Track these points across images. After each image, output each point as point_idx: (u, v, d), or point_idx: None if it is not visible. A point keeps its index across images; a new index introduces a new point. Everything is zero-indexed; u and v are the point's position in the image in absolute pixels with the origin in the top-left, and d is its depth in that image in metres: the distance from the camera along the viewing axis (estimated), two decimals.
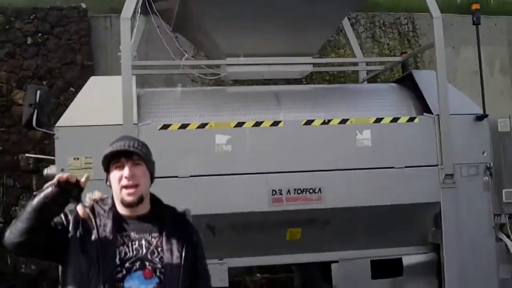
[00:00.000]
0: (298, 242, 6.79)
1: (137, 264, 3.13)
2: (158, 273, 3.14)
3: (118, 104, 6.49)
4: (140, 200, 3.22)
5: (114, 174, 3.22)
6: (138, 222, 3.24)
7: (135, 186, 3.19)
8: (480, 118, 6.97)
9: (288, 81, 9.20)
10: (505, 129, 7.18)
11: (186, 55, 7.54)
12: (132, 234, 3.19)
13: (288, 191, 6.60)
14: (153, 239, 3.21)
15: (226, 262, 6.62)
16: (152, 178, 3.38)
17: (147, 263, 3.14)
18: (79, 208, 3.13)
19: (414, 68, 11.71)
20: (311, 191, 6.62)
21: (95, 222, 3.16)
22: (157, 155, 6.33)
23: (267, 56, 7.34)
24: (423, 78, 7.28)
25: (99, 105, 6.65)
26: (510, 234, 7.04)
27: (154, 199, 3.40)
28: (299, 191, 6.61)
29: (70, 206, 3.17)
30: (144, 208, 3.28)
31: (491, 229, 6.93)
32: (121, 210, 3.24)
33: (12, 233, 3.09)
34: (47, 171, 6.92)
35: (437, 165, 6.85)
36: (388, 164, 6.80)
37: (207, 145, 6.57)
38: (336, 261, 6.90)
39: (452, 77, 11.73)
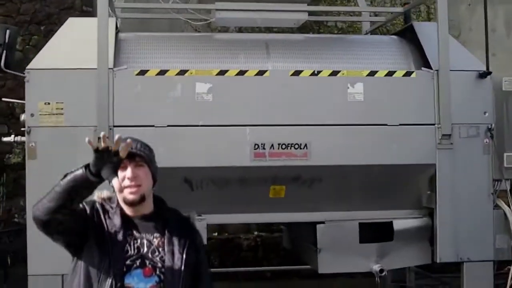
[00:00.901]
0: (282, 200, 6.38)
1: (138, 262, 3.22)
2: (157, 272, 3.22)
3: (95, 47, 6.05)
4: (142, 199, 3.30)
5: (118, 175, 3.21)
6: (141, 221, 3.34)
7: (137, 186, 3.27)
8: (482, 75, 6.46)
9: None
10: (510, 88, 6.67)
11: None
12: (135, 232, 3.30)
13: (272, 145, 6.16)
14: (154, 239, 3.31)
15: (205, 219, 6.20)
16: (155, 179, 3.43)
17: (147, 262, 3.23)
18: (97, 193, 3.31)
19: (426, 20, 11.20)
20: (296, 146, 6.19)
21: (105, 218, 3.31)
22: (133, 103, 6.11)
23: (260, 2, 6.86)
24: (425, 30, 6.75)
25: (74, 48, 6.22)
26: (510, 201, 6.58)
27: (159, 201, 3.49)
28: (283, 146, 6.18)
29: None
30: (147, 208, 3.38)
31: (490, 195, 6.47)
32: (125, 209, 3.35)
33: (39, 210, 3.17)
34: (23, 116, 6.55)
35: (433, 124, 6.37)
36: (381, 121, 6.32)
37: (187, 94, 6.14)
38: (323, 222, 6.49)
39: (467, 36, 11.21)
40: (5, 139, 6.45)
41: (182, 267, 3.26)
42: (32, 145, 6.00)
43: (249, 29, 9.76)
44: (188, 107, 6.15)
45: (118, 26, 6.90)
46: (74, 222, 3.23)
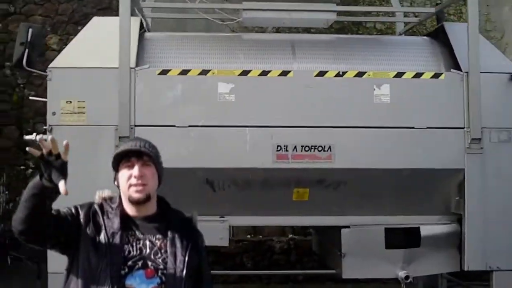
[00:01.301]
0: (306, 203, 6.25)
1: (140, 263, 3.18)
2: (159, 274, 3.18)
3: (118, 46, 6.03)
4: (148, 198, 3.27)
5: (123, 173, 3.28)
6: (143, 222, 3.30)
7: (143, 185, 3.24)
8: None
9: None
10: None
11: None
12: (137, 234, 3.26)
13: (295, 147, 6.04)
14: (157, 240, 3.27)
15: (227, 220, 6.17)
16: (160, 180, 3.39)
17: (149, 263, 3.19)
18: (98, 193, 3.33)
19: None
20: (320, 148, 6.06)
21: (103, 219, 3.26)
22: (154, 102, 6.04)
23: (286, 1, 6.74)
24: (455, 31, 6.54)
25: (98, 47, 6.22)
26: None
27: (163, 202, 3.45)
28: (306, 148, 6.05)
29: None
30: (151, 208, 3.34)
31: None
32: (128, 209, 3.31)
33: (14, 220, 3.16)
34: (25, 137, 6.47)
35: (463, 128, 6.17)
36: (407, 124, 6.16)
37: (209, 94, 6.06)
38: (348, 227, 6.35)
39: (510, 38, 10.92)
40: (26, 137, 6.43)
41: (184, 270, 3.22)
42: None
43: (286, 29, 9.70)
44: (210, 108, 6.06)
45: (145, 25, 6.83)
46: (56, 228, 3.19)
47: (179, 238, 3.29)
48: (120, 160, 3.32)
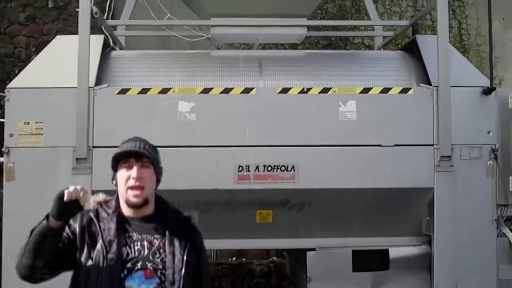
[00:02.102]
0: (270, 225, 6.06)
1: (139, 264, 3.21)
2: (159, 274, 3.21)
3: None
4: (145, 202, 3.30)
5: (122, 174, 3.30)
6: (141, 223, 3.33)
7: (141, 188, 3.27)
8: (487, 91, 6.00)
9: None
10: None
11: (169, 15, 6.85)
12: (135, 235, 3.28)
13: (257, 167, 5.86)
14: (155, 240, 3.29)
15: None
16: (158, 181, 3.47)
17: (148, 264, 3.22)
18: (92, 198, 3.37)
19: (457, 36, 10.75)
20: (283, 168, 5.87)
21: (99, 226, 3.28)
22: (113, 123, 5.90)
23: (257, 17, 6.58)
24: (428, 44, 6.30)
25: (58, 67, 6.08)
26: None
27: (161, 201, 3.49)
28: (269, 168, 5.87)
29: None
30: (149, 209, 3.37)
31: (493, 222, 5.98)
32: (126, 211, 3.33)
33: (21, 269, 3.24)
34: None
35: (432, 145, 5.95)
36: (374, 142, 5.95)
37: (169, 113, 5.91)
38: (313, 249, 6.14)
39: (500, 52, 10.69)
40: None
41: (183, 269, 3.24)
42: (10, 166, 5.86)
43: (261, 46, 9.59)
44: (170, 127, 5.91)
45: (111, 43, 6.70)
46: (58, 256, 3.24)
47: (178, 238, 3.31)
48: (119, 160, 3.36)
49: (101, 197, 3.45)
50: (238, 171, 5.86)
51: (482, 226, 5.98)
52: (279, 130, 5.93)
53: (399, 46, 8.64)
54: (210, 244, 6.20)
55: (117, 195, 3.43)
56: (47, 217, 3.18)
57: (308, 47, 10.44)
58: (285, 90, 5.97)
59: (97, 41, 6.25)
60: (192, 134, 5.89)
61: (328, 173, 5.91)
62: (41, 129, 5.89)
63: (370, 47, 10.56)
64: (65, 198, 3.10)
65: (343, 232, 6.14)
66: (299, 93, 5.97)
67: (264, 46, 9.89)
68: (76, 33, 5.90)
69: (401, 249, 6.16)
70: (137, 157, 3.34)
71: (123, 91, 5.94)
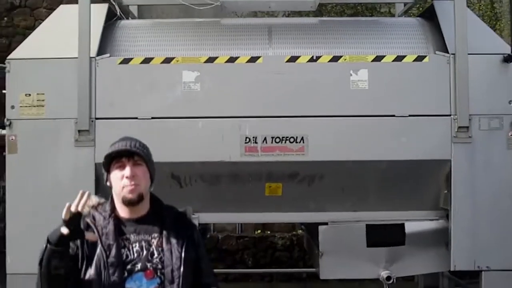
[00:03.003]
0: (280, 198, 5.85)
1: (139, 265, 3.18)
2: (159, 274, 3.19)
3: None
4: (140, 198, 3.26)
5: (115, 174, 3.25)
6: (137, 224, 3.29)
7: (135, 185, 3.22)
8: (507, 59, 5.66)
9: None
10: None
11: None
12: (132, 237, 3.25)
13: (265, 139, 5.64)
14: (153, 240, 3.26)
15: (196, 217, 5.75)
16: (152, 178, 3.39)
17: (148, 264, 3.19)
18: (88, 236, 3.20)
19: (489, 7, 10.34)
20: (291, 140, 5.64)
21: (98, 231, 3.23)
22: (115, 94, 5.72)
23: None
24: (446, 10, 5.97)
25: (60, 37, 5.91)
26: None
27: (154, 200, 3.42)
28: (277, 140, 5.65)
29: None
30: (144, 208, 3.32)
31: None
32: (121, 211, 3.30)
33: None
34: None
35: (449, 115, 5.66)
36: (388, 112, 5.67)
37: (173, 83, 5.70)
38: (326, 223, 5.92)
39: None
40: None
41: (182, 266, 3.20)
42: (12, 139, 5.74)
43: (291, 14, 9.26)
44: (174, 98, 5.71)
45: (118, 12, 6.49)
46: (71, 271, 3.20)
47: (174, 235, 3.27)
48: (111, 161, 3.28)
49: (94, 200, 3.33)
50: (245, 142, 5.65)
51: (503, 200, 5.68)
52: (288, 100, 5.69)
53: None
54: (218, 217, 6.20)
55: (111, 197, 3.37)
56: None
57: (333, 16, 10.13)
58: (293, 59, 5.72)
59: (100, 10, 6.07)
60: (197, 104, 5.68)
61: (339, 144, 5.67)
62: (43, 100, 5.75)
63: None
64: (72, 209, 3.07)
65: (356, 206, 5.91)
66: (308, 61, 5.71)
67: (288, 15, 9.64)
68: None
69: (417, 223, 5.91)
70: (129, 155, 3.25)
71: (125, 61, 5.76)
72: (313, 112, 5.68)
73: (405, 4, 7.41)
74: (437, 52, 5.75)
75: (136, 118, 5.66)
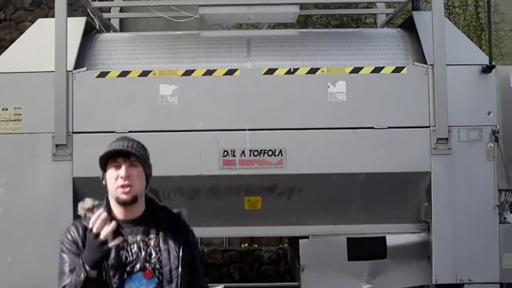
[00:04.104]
0: (259, 212, 5.81)
1: (137, 266, 3.17)
2: (157, 274, 3.18)
3: None
4: (135, 199, 3.22)
5: (111, 173, 3.23)
6: (133, 225, 3.26)
7: (130, 186, 3.18)
8: (486, 69, 5.64)
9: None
10: None
11: None
12: (130, 238, 3.22)
13: (243, 152, 5.62)
14: (150, 240, 3.24)
15: None
16: (148, 180, 3.36)
17: (147, 265, 3.18)
18: (80, 205, 3.25)
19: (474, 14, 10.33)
20: (270, 153, 5.61)
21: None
22: (93, 107, 5.68)
23: None
24: (424, 20, 5.95)
25: (37, 50, 5.88)
26: None
27: (149, 200, 3.40)
28: (255, 153, 5.62)
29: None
30: (139, 209, 3.30)
31: (495, 207, 5.64)
32: (117, 212, 3.27)
33: None
34: None
35: (428, 127, 5.63)
36: (366, 124, 5.66)
37: (150, 96, 5.68)
38: (307, 237, 5.87)
39: None
40: None
41: (180, 266, 3.20)
42: None
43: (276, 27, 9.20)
44: (151, 111, 5.67)
45: (98, 26, 6.47)
46: None
47: (171, 235, 3.26)
48: (108, 160, 3.25)
49: (89, 203, 3.29)
50: (223, 156, 5.62)
51: (483, 212, 5.64)
52: (265, 113, 5.66)
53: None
54: (198, 232, 6.07)
55: (107, 199, 3.33)
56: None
57: (319, 27, 10.12)
58: (270, 71, 5.70)
59: (78, 24, 6.06)
60: (175, 118, 5.65)
61: (318, 157, 5.63)
62: (20, 114, 5.73)
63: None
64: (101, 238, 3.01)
65: (337, 219, 5.87)
66: (285, 73, 5.69)
67: (273, 27, 9.61)
68: None
69: (399, 236, 5.88)
70: (125, 156, 3.22)
71: (103, 74, 5.74)
72: (291, 124, 5.65)
73: (386, 14, 7.39)
74: (415, 63, 5.72)
75: (114, 131, 5.59)
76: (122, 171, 3.18)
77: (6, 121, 5.71)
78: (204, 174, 5.62)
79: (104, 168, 3.28)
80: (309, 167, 5.62)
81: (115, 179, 3.20)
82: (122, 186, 3.18)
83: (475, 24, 10.32)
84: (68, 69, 5.66)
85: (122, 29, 7.97)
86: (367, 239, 5.83)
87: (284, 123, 5.64)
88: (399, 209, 5.81)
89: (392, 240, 5.83)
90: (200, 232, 6.03)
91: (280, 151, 5.60)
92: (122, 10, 7.93)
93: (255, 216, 5.82)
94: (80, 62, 5.83)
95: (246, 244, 9.99)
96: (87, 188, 5.60)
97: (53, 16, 5.86)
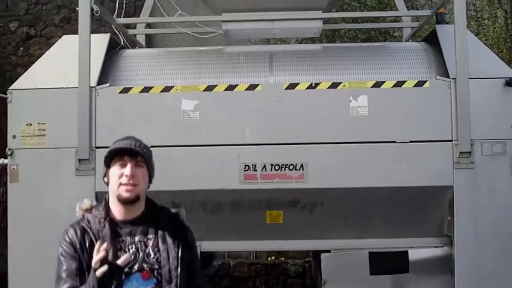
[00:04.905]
0: (281, 226, 5.80)
1: (135, 266, 3.21)
2: (155, 274, 3.23)
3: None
4: (137, 198, 3.28)
5: (115, 171, 3.27)
6: (132, 225, 3.32)
7: (134, 185, 3.25)
8: (510, 83, 5.57)
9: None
10: None
11: (180, 11, 6.66)
12: (128, 238, 3.27)
13: (264, 166, 5.62)
14: (149, 241, 3.29)
15: (199, 245, 5.73)
16: (150, 181, 3.43)
17: (145, 265, 3.23)
18: (78, 206, 3.37)
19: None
20: (291, 167, 5.60)
21: (94, 235, 3.26)
22: (116, 123, 5.74)
23: (270, 11, 6.32)
24: (448, 34, 5.91)
25: (61, 67, 5.96)
26: None
27: (148, 201, 3.45)
28: (276, 167, 5.61)
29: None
30: (139, 209, 3.35)
31: None
32: (116, 213, 3.31)
33: None
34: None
35: (451, 141, 5.57)
36: (388, 138, 5.61)
37: (172, 112, 5.72)
38: (328, 251, 5.85)
39: None
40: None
41: (179, 266, 3.25)
42: (14, 168, 5.78)
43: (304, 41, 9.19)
44: (173, 126, 5.72)
45: (122, 42, 6.56)
46: None
47: (170, 235, 3.31)
48: (113, 157, 3.31)
49: (87, 203, 3.37)
50: (244, 170, 5.63)
51: (506, 226, 5.56)
52: (287, 127, 5.66)
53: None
54: (220, 245, 6.15)
55: (105, 200, 3.38)
56: None
57: (346, 41, 10.13)
58: (292, 86, 5.70)
59: (102, 40, 6.13)
60: (196, 133, 5.68)
61: (339, 171, 5.61)
62: (44, 130, 5.80)
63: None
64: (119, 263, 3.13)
65: (359, 233, 5.83)
66: (307, 88, 5.68)
67: (301, 41, 9.63)
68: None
69: (421, 251, 5.81)
70: (132, 155, 3.29)
71: (125, 90, 5.78)
72: (313, 139, 5.63)
73: (412, 28, 7.36)
74: (438, 77, 5.68)
75: None
76: (128, 169, 3.24)
77: (31, 136, 5.78)
78: (226, 188, 5.63)
79: (108, 165, 3.33)
80: (331, 182, 5.60)
81: (119, 177, 3.25)
82: (126, 185, 3.24)
83: (505, 36, 10.21)
84: (91, 85, 5.71)
85: (150, 45, 8.05)
86: (389, 253, 5.78)
87: (306, 137, 5.63)
88: (422, 223, 5.75)
89: (414, 254, 5.77)
90: (222, 246, 6.20)
91: (302, 166, 5.59)
92: (150, 26, 8.02)
93: (277, 230, 5.81)
94: (103, 78, 5.89)
95: (273, 257, 9.99)
96: None
97: None
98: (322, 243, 5.88)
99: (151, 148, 5.44)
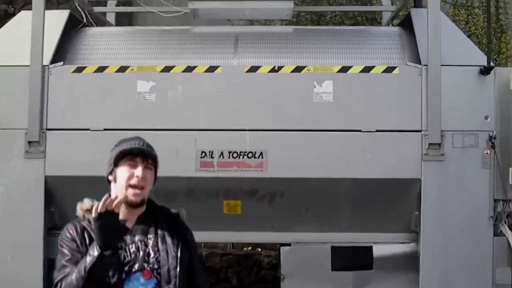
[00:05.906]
0: (239, 217, 5.53)
1: (136, 266, 3.17)
2: (155, 274, 3.18)
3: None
4: (142, 202, 3.27)
5: (124, 170, 3.23)
6: (133, 224, 3.26)
7: (142, 188, 3.23)
8: (484, 71, 5.27)
9: None
10: None
11: None
12: (128, 238, 3.22)
13: (221, 154, 5.35)
14: (149, 240, 3.25)
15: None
16: (154, 183, 3.41)
17: (145, 265, 3.18)
18: (79, 206, 3.22)
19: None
20: (250, 155, 5.33)
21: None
22: (69, 103, 5.46)
23: None
24: (422, 18, 5.58)
25: (15, 44, 5.69)
26: None
27: (148, 201, 3.41)
28: (234, 155, 5.34)
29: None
30: (141, 210, 3.32)
31: (489, 219, 5.28)
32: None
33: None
34: None
35: (420, 131, 5.29)
36: (353, 126, 5.33)
37: (127, 93, 5.44)
38: (289, 244, 5.60)
39: None
40: None
41: (178, 266, 3.20)
42: None
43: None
44: (128, 109, 5.45)
45: (84, 19, 6.26)
46: None
47: (169, 235, 3.28)
48: (123, 156, 3.27)
49: (88, 204, 3.22)
50: (201, 157, 5.36)
51: (477, 223, 5.29)
52: (247, 113, 5.40)
53: None
54: None
55: None
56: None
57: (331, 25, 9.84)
58: (254, 69, 5.43)
59: (60, 17, 5.86)
60: (151, 116, 5.42)
61: (301, 161, 5.34)
62: None
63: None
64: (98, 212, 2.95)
65: (321, 227, 5.57)
66: (269, 72, 5.40)
67: (287, 24, 9.36)
68: None
69: (386, 246, 5.56)
70: (144, 157, 3.27)
71: (79, 70, 5.52)
72: (273, 125, 5.37)
73: (392, 12, 7.05)
74: (408, 63, 5.38)
75: (88, 129, 5.41)
76: (139, 171, 3.21)
77: None
78: (181, 175, 5.36)
79: (115, 164, 3.26)
80: (291, 171, 5.33)
81: (128, 178, 3.20)
82: (136, 187, 3.20)
83: (495, 26, 9.89)
84: (44, 64, 5.45)
85: (130, 25, 7.78)
86: (353, 249, 5.52)
87: (266, 123, 5.36)
88: (388, 218, 5.47)
89: (379, 250, 5.52)
90: None
91: (261, 154, 5.32)
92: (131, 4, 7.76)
93: (235, 220, 5.55)
94: (59, 56, 5.62)
95: (249, 248, 9.72)
96: (59, 187, 5.45)
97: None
98: (283, 235, 5.63)
99: (104, 131, 5.39)
